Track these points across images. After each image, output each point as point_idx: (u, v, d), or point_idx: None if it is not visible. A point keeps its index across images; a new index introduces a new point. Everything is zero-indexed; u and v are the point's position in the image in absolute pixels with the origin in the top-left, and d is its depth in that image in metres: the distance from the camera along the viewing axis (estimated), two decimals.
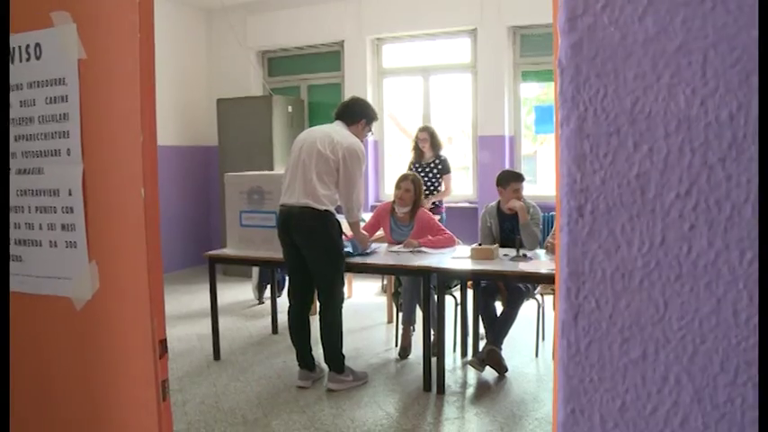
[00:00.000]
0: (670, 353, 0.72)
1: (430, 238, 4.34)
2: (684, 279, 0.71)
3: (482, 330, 4.27)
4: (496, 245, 4.08)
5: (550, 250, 4.01)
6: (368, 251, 4.14)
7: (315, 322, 4.00)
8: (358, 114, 3.88)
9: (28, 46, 1.86)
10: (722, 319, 0.69)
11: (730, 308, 0.69)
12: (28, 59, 1.87)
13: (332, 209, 3.66)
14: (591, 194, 0.75)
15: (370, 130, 3.98)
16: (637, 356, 0.74)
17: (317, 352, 3.95)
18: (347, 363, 3.86)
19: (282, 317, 5.14)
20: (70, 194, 1.81)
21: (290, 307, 3.90)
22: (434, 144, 5.76)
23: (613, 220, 0.74)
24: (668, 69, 0.70)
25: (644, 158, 0.73)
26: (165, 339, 1.76)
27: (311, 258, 3.71)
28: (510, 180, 4.25)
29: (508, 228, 4.26)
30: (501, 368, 3.98)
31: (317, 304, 5.53)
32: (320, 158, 3.62)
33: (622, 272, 0.74)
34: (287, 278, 4.08)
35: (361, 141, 3.85)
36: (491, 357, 3.94)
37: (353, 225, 3.85)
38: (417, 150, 5.83)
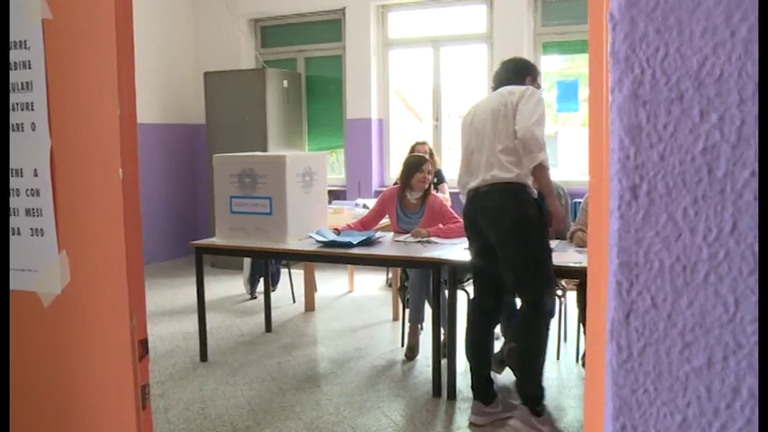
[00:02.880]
0: (742, 360, 0.66)
1: (441, 226, 4.30)
2: (760, 273, 0.66)
3: (498, 329, 4.24)
4: None
5: (575, 241, 3.96)
6: (372, 239, 4.10)
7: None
8: (523, 69, 3.53)
9: None
10: None
11: None
12: None
13: (525, 180, 3.23)
14: (647, 172, 0.69)
15: (540, 86, 3.55)
16: (701, 364, 0.68)
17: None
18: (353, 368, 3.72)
19: (277, 312, 5.14)
20: (36, 175, 1.76)
21: (473, 318, 3.52)
22: (432, 160, 5.81)
23: (674, 203, 0.69)
24: (745, 22, 0.65)
25: (712, 130, 0.67)
26: (146, 339, 1.73)
27: (500, 246, 3.31)
28: None
29: None
30: None
31: (311, 300, 5.52)
32: (496, 119, 3.27)
33: (684, 264, 0.69)
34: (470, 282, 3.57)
35: None
36: (510, 358, 3.91)
37: (538, 170, 3.19)
38: None
